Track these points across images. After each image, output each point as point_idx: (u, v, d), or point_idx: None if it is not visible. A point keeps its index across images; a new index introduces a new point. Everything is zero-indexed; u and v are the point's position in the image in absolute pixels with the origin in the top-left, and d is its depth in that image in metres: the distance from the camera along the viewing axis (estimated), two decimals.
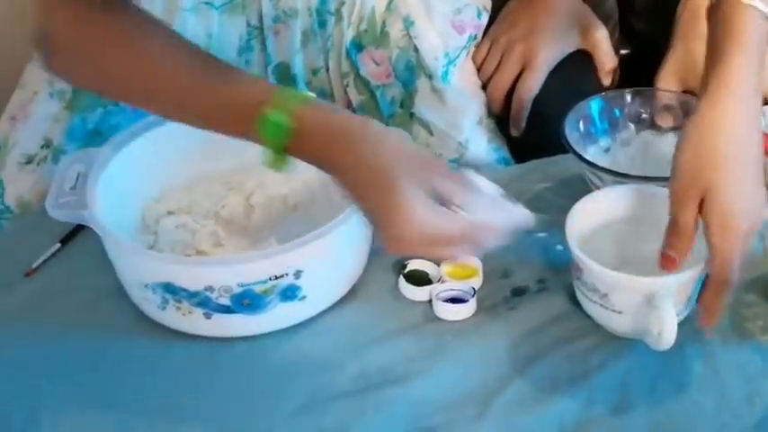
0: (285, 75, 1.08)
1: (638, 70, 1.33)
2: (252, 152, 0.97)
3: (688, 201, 0.78)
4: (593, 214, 0.88)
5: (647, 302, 0.80)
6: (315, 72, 1.09)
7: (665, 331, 0.78)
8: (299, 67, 1.07)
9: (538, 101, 1.11)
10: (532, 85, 1.10)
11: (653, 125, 1.01)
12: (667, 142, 1.00)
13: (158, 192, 0.98)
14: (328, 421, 0.80)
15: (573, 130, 0.97)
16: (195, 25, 1.03)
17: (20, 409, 0.83)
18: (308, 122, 0.75)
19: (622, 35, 1.33)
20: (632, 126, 1.01)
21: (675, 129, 1.00)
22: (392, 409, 0.81)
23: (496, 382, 0.82)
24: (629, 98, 1.02)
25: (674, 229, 0.79)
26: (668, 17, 1.19)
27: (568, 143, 0.95)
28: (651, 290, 0.80)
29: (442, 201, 0.74)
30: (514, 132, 1.12)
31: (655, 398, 0.80)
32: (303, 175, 1.00)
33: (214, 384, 0.84)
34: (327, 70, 1.09)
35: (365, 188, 0.74)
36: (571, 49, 1.13)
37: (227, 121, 0.78)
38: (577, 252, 0.83)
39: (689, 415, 0.79)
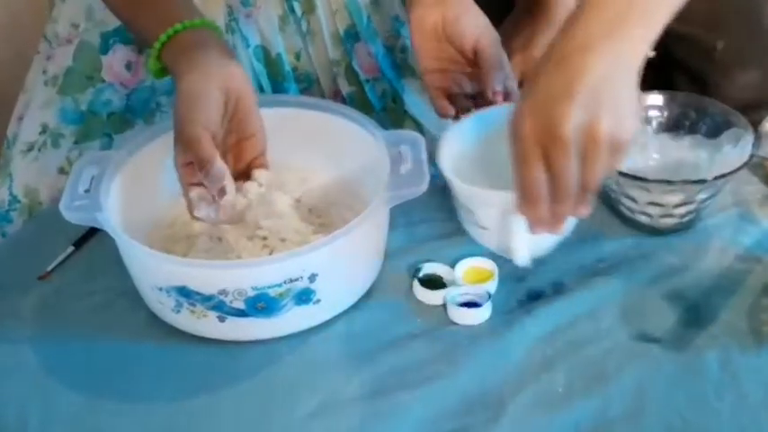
0: (267, 57, 1.09)
1: (662, 72, 1.33)
2: (267, 154, 0.97)
3: None
4: (471, 136, 0.87)
5: (505, 218, 0.79)
6: (297, 56, 1.10)
7: (517, 247, 0.78)
8: (280, 49, 1.08)
9: None
10: None
11: (670, 128, 1.01)
12: (684, 145, 1.00)
13: (172, 195, 0.98)
14: (342, 425, 0.80)
15: None
16: None
17: (34, 411, 0.83)
18: (177, 39, 0.90)
19: None
20: (649, 129, 1.01)
21: (693, 132, 0.99)
22: (407, 412, 0.81)
23: (511, 387, 0.82)
24: (646, 101, 1.01)
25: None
26: (693, 17, 1.19)
27: None
28: (506, 204, 0.78)
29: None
30: None
31: (671, 403, 0.80)
32: (318, 179, 1.00)
33: (228, 388, 0.84)
34: (309, 56, 1.10)
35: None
36: None
37: (153, 26, 0.92)
38: (446, 172, 0.81)
39: (706, 420, 0.78)
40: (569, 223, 0.79)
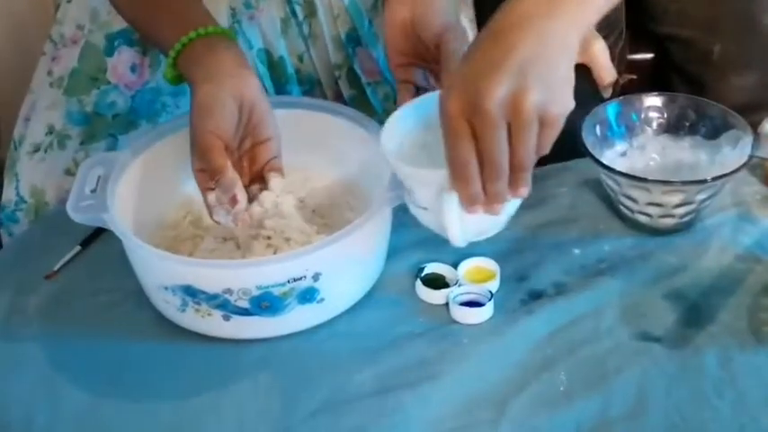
0: (270, 59, 1.10)
1: (660, 73, 1.34)
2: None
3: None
4: (416, 120, 0.86)
5: (439, 196, 0.78)
6: (300, 58, 1.10)
7: (449, 224, 0.77)
8: (283, 51, 1.09)
9: None
10: None
11: (670, 129, 1.01)
12: (684, 146, 1.00)
13: (178, 195, 0.99)
14: (345, 423, 0.81)
15: (590, 134, 0.97)
16: None
17: (40, 409, 0.84)
18: (191, 46, 0.91)
19: (643, 39, 1.34)
20: (649, 130, 1.01)
21: (692, 133, 1.00)
22: (409, 411, 0.81)
23: (513, 386, 0.82)
24: (646, 102, 1.02)
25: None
26: (691, 21, 1.20)
27: (585, 147, 0.95)
28: (440, 183, 0.77)
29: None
30: None
31: (671, 402, 0.80)
32: (322, 180, 1.01)
33: (232, 386, 0.84)
34: (312, 59, 1.10)
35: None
36: None
37: (167, 33, 0.93)
38: (387, 154, 0.81)
39: (706, 419, 0.79)
40: (510, 206, 0.78)
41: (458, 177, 0.75)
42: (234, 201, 0.87)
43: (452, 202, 0.77)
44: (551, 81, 0.73)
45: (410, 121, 0.85)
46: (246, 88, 0.89)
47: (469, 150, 0.73)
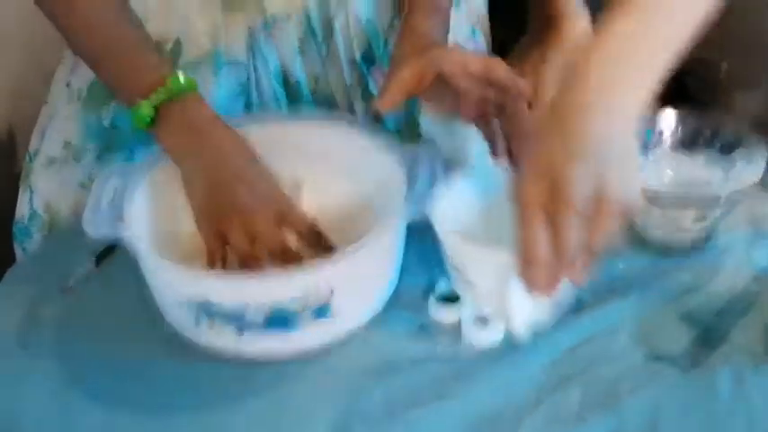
0: (287, 81, 1.09)
1: (675, 90, 1.34)
2: (284, 168, 0.98)
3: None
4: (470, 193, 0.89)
5: (501, 280, 0.78)
6: (316, 80, 1.10)
7: (514, 312, 0.77)
8: (299, 72, 1.08)
9: None
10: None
11: (684, 145, 1.01)
12: (698, 162, 1.00)
13: (192, 210, 0.98)
14: None
15: None
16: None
17: (52, 423, 0.84)
18: (165, 119, 0.92)
19: None
20: (663, 145, 1.01)
21: (707, 149, 1.00)
22: (421, 430, 0.81)
23: (526, 406, 0.82)
24: (661, 117, 1.01)
25: None
26: (699, 38, 1.19)
27: None
28: (503, 264, 0.77)
29: None
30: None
31: (685, 423, 0.80)
32: (335, 195, 1.01)
33: (244, 403, 0.84)
34: (327, 80, 1.10)
35: (201, 186, 0.91)
36: None
37: (119, 90, 0.96)
38: (436, 224, 0.82)
39: None
40: (566, 289, 0.79)
41: (529, 263, 0.74)
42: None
43: (518, 287, 0.76)
44: (626, 165, 0.74)
45: (463, 193, 0.88)
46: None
47: (545, 239, 0.73)
